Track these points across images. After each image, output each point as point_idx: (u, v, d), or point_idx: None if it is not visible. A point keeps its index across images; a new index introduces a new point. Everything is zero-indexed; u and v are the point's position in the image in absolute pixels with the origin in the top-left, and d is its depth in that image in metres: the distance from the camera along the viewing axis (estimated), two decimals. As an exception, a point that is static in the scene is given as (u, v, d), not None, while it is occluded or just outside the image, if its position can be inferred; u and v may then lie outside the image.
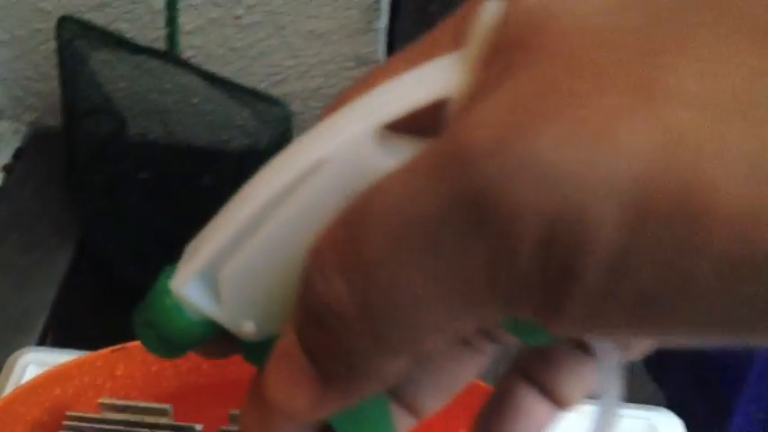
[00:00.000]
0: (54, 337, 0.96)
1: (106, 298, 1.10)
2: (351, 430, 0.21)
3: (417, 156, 0.16)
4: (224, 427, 0.36)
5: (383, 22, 1.19)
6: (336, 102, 0.20)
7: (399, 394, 0.24)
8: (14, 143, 1.26)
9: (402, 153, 0.18)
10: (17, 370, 0.49)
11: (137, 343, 0.38)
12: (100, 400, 0.36)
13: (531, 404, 0.24)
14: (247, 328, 0.20)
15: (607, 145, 0.14)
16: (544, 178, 0.14)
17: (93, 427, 0.35)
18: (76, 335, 1.02)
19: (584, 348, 0.24)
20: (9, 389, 0.48)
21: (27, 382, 0.36)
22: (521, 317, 0.16)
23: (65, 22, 1.02)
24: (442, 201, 0.15)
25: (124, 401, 0.37)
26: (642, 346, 0.24)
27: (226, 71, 1.15)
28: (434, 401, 0.24)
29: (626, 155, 0.14)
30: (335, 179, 0.18)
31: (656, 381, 0.60)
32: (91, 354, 0.37)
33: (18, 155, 1.24)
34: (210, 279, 0.20)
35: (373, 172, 0.17)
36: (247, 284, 0.20)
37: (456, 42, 0.18)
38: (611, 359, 0.21)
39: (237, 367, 0.41)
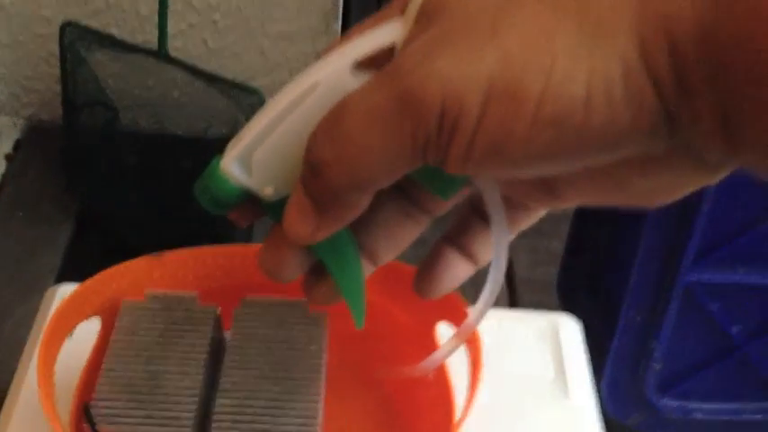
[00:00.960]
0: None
1: (104, 264, 1.20)
2: (332, 260, 0.32)
3: (373, 76, 0.26)
4: (237, 308, 0.48)
5: (339, 24, 1.30)
6: (324, 51, 0.29)
7: (364, 249, 0.32)
8: (14, 135, 1.35)
9: (366, 79, 0.27)
10: (57, 299, 0.61)
11: (168, 252, 0.51)
12: (146, 292, 0.49)
13: (455, 261, 0.33)
14: (267, 191, 0.30)
15: (473, 60, 0.23)
16: (440, 80, 0.23)
17: (142, 309, 0.47)
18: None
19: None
20: (49, 317, 0.59)
21: (91, 279, 0.48)
22: (430, 163, 0.25)
23: (67, 27, 1.12)
24: (386, 96, 0.25)
25: (163, 292, 0.49)
26: (530, 216, 0.33)
27: (204, 69, 1.25)
28: (387, 253, 0.33)
29: (482, 66, 0.23)
30: (325, 94, 0.27)
31: (565, 308, 0.73)
32: (135, 259, 0.49)
33: (18, 146, 1.34)
34: (245, 161, 0.29)
35: (348, 90, 0.26)
36: (269, 163, 0.29)
37: (401, 11, 0.27)
38: (499, 210, 0.31)
39: (242, 277, 0.53)
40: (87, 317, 0.48)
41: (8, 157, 1.31)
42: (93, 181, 1.19)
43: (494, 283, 0.33)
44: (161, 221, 1.16)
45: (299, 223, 0.29)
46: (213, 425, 0.42)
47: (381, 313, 0.50)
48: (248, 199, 0.30)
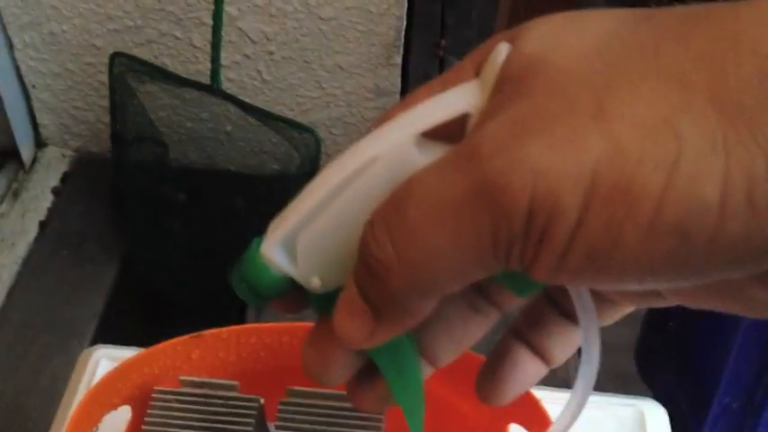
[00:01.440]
0: (103, 342, 1.03)
1: (148, 309, 1.16)
2: (386, 361, 0.28)
3: (445, 155, 0.22)
4: (283, 399, 0.42)
5: (400, 57, 1.25)
6: (382, 117, 0.26)
7: (422, 347, 0.29)
8: (62, 168, 1.33)
9: (435, 154, 0.23)
10: (91, 363, 0.56)
11: (208, 331, 0.45)
12: (181, 378, 0.43)
13: (524, 361, 0.29)
14: (314, 283, 0.26)
15: (573, 150, 0.20)
16: (530, 171, 0.20)
17: (177, 399, 0.42)
18: (122, 340, 1.08)
19: (570, 317, 0.30)
20: (85, 380, 0.55)
21: (122, 363, 0.43)
22: (512, 268, 0.21)
23: (117, 58, 1.09)
24: (461, 186, 0.21)
25: (200, 378, 0.43)
26: (618, 312, 0.29)
27: (258, 101, 1.22)
28: (448, 354, 0.29)
29: (584, 158, 0.20)
30: (385, 171, 0.23)
31: (645, 382, 0.66)
32: (171, 340, 0.44)
33: (65, 179, 1.32)
34: (290, 246, 0.25)
35: (413, 167, 0.23)
36: (316, 250, 0.25)
37: (476, 73, 0.24)
38: (591, 316, 0.26)
39: (289, 358, 0.48)
40: (115, 407, 0.43)
41: (55, 191, 1.28)
42: (140, 218, 1.16)
43: (581, 395, 0.28)
44: (207, 261, 1.12)
45: (352, 327, 0.25)
46: None
47: (445, 409, 0.44)
48: (293, 287, 0.26)
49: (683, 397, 0.71)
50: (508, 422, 0.44)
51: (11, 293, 1.12)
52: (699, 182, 0.19)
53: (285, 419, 0.42)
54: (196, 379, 0.43)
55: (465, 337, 0.29)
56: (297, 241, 0.25)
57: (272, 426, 0.43)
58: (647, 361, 0.86)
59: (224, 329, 0.46)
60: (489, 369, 0.29)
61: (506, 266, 0.21)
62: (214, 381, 0.43)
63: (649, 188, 0.19)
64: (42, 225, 1.22)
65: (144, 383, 0.43)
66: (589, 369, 0.28)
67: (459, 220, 0.21)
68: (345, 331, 0.25)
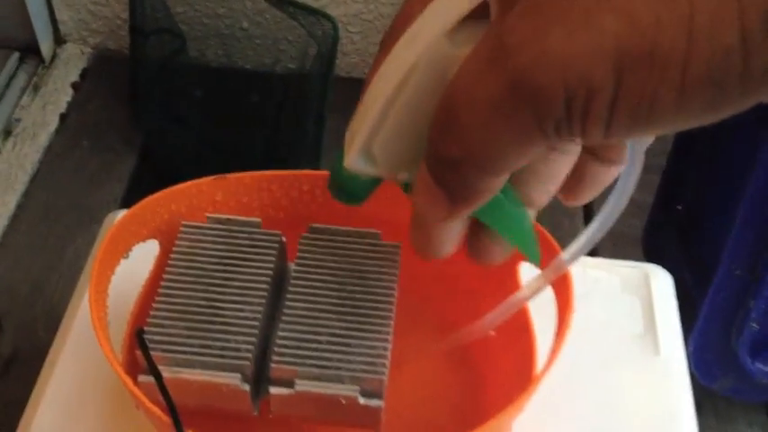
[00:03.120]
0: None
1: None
2: (494, 219, 0.30)
3: (475, 52, 0.23)
4: (305, 234, 0.45)
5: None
6: (402, 14, 0.28)
7: (518, 194, 0.31)
8: (81, 64, 1.34)
9: (467, 41, 0.25)
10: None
11: (232, 174, 0.47)
12: (207, 215, 0.46)
13: (595, 167, 0.31)
14: (401, 176, 0.29)
15: (592, 33, 0.21)
16: (558, 63, 0.21)
17: (203, 233, 0.44)
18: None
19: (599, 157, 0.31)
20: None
21: (149, 198, 0.45)
22: (565, 140, 0.23)
23: (135, -51, 1.09)
24: (496, 86, 0.22)
25: (226, 215, 0.46)
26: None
27: (274, -1, 1.22)
28: (543, 195, 0.31)
29: (605, 37, 0.20)
30: (428, 72, 0.26)
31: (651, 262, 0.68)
32: (196, 180, 0.46)
33: (84, 74, 1.33)
34: (368, 153, 0.29)
35: (451, 60, 0.25)
36: (392, 151, 0.29)
37: None
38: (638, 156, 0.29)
39: (309, 206, 0.50)
40: (144, 239, 0.45)
41: (74, 86, 1.30)
42: (157, 113, 1.17)
43: (610, 211, 0.31)
44: (224, 157, 1.14)
45: (432, 210, 0.27)
46: (273, 359, 0.39)
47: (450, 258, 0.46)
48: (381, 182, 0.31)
49: (688, 272, 0.74)
50: (519, 260, 0.46)
51: (33, 179, 1.15)
52: (718, 30, 0.20)
53: (305, 254, 0.44)
54: (221, 216, 0.45)
55: (552, 176, 0.31)
56: (372, 148, 0.29)
57: (291, 265, 0.46)
58: (654, 241, 0.88)
59: (246, 174, 0.48)
60: (571, 181, 0.31)
61: (559, 140, 0.23)
62: (238, 218, 0.45)
63: (673, 48, 0.20)
64: (63, 117, 1.23)
65: (171, 219, 0.46)
66: (618, 199, 0.30)
67: (504, 116, 0.23)
68: (427, 213, 0.28)
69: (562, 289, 0.41)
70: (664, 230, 0.84)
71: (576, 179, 0.32)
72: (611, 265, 0.59)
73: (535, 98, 0.22)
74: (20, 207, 1.12)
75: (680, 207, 0.81)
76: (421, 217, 0.29)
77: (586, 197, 0.32)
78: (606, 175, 0.32)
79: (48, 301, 1.01)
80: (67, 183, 1.13)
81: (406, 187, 0.30)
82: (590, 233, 0.32)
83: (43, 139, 1.20)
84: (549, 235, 0.42)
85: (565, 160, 0.31)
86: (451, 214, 0.27)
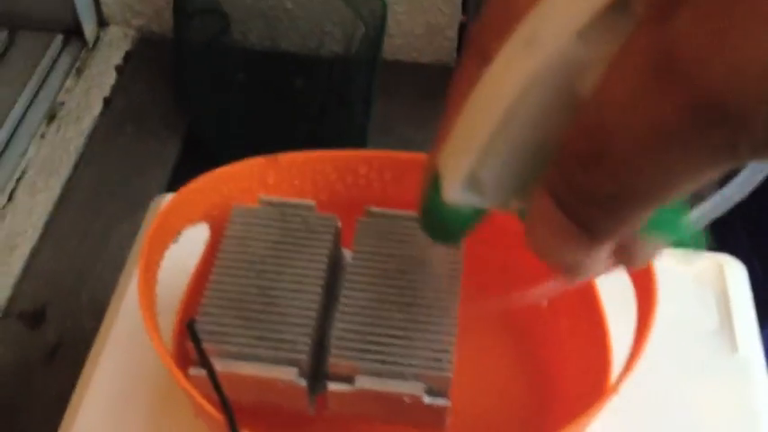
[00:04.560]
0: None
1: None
2: (661, 230, 0.25)
3: (626, 62, 0.19)
4: (361, 218, 0.42)
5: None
6: (498, 13, 0.23)
7: None
8: (125, 47, 1.33)
9: (600, 39, 0.20)
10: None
11: (283, 154, 0.45)
12: (260, 197, 0.43)
13: None
14: (513, 205, 0.25)
15: None
16: (756, 78, 0.17)
17: (255, 216, 0.42)
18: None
19: None
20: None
21: (198, 179, 0.43)
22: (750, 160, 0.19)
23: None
24: (672, 107, 0.18)
25: (279, 198, 0.43)
26: None
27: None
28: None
29: None
30: (555, 81, 0.21)
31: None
32: (247, 160, 0.44)
33: (128, 57, 1.32)
34: (473, 182, 0.24)
35: (581, 64, 0.21)
36: (505, 177, 0.24)
37: None
38: None
39: (365, 189, 0.47)
40: (194, 222, 0.43)
41: (118, 69, 1.29)
42: (201, 96, 1.16)
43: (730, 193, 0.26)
44: (268, 143, 1.12)
45: (564, 246, 0.23)
46: (332, 352, 0.37)
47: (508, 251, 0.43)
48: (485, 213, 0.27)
49: (757, 261, 0.70)
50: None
51: (77, 165, 1.14)
52: None
53: (362, 240, 0.41)
54: (274, 198, 0.43)
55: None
56: (481, 176, 0.24)
57: (347, 252, 0.43)
58: (718, 229, 0.84)
59: (300, 154, 0.46)
60: None
61: (752, 160, 0.20)
62: (292, 201, 0.43)
63: None
64: (106, 101, 1.22)
65: (221, 202, 0.44)
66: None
67: (683, 143, 0.19)
68: (553, 250, 0.23)
69: (644, 282, 0.38)
70: (729, 217, 0.80)
71: None
72: (681, 256, 0.56)
73: (729, 120, 0.18)
74: (64, 193, 1.11)
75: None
76: (545, 251, 0.24)
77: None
78: None
79: (92, 289, 1.00)
80: (112, 168, 1.12)
81: (521, 213, 0.25)
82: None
83: (87, 122, 1.19)
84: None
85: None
86: (590, 251, 0.23)
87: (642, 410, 0.46)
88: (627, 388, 0.39)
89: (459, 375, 0.38)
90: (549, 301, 0.44)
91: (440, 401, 0.36)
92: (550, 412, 0.45)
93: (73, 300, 0.99)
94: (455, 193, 0.25)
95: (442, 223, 0.27)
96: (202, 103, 1.15)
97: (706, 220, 0.28)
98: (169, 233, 0.41)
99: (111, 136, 1.18)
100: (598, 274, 0.25)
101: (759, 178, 0.26)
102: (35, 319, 0.98)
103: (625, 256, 0.25)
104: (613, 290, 0.39)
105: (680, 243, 0.26)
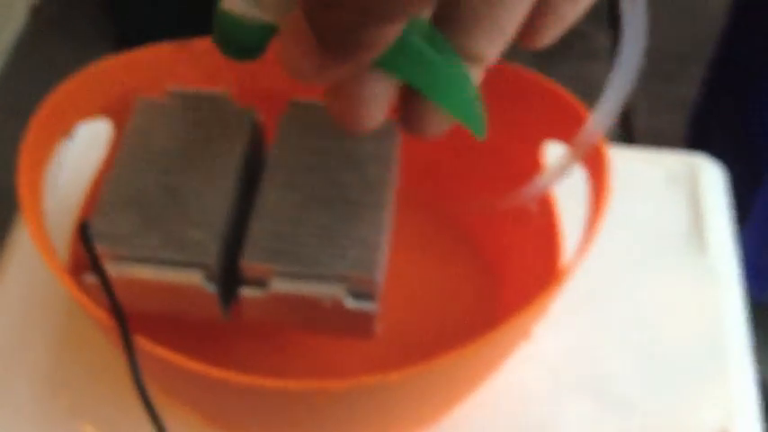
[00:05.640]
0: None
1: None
2: (420, 77, 0.25)
3: None
4: (285, 113, 0.39)
5: None
6: None
7: (458, 45, 0.25)
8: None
9: None
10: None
11: (197, 40, 0.42)
12: (168, 89, 0.41)
13: None
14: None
15: None
16: None
17: (161, 109, 0.39)
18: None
19: None
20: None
21: (96, 64, 0.40)
22: None
23: None
24: None
25: (190, 89, 0.41)
26: None
27: None
28: (490, 46, 0.25)
29: None
30: None
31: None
32: (153, 46, 0.41)
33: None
34: None
35: None
36: None
37: None
38: None
39: (288, 80, 0.44)
40: (90, 115, 0.40)
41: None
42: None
43: (627, 60, 0.26)
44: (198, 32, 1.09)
45: (300, 60, 0.24)
46: (245, 254, 0.35)
47: (465, 130, 0.41)
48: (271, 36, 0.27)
49: (739, 165, 0.68)
50: (542, 138, 0.41)
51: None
52: None
53: (285, 135, 0.39)
54: (185, 90, 0.40)
55: (503, 20, 0.25)
56: None
57: (269, 151, 0.41)
58: (699, 133, 0.82)
59: (215, 39, 0.43)
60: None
61: None
62: (204, 91, 0.40)
63: None
64: (34, 10, 1.18)
65: (125, 94, 0.41)
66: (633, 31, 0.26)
67: None
68: (290, 64, 0.24)
69: (596, 167, 0.36)
70: (712, 118, 0.78)
71: (532, 15, 0.26)
72: (653, 156, 0.54)
73: None
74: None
75: (734, 85, 0.75)
76: (288, 70, 0.25)
77: (546, 37, 0.27)
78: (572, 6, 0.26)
79: (7, 213, 0.97)
80: (38, 79, 1.08)
81: None
82: (617, 82, 0.27)
83: (9, 34, 1.15)
84: (570, 97, 0.37)
85: None
86: (321, 67, 0.23)
87: (598, 312, 0.45)
88: (583, 288, 0.38)
89: (392, 279, 0.36)
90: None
91: (365, 306, 0.34)
92: (497, 313, 0.43)
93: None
94: (233, 1, 0.26)
95: (229, 36, 0.28)
96: (133, 6, 1.11)
97: (608, 119, 0.28)
98: (58, 128, 0.38)
99: (37, 46, 1.14)
100: (370, 118, 0.26)
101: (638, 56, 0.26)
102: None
103: (408, 118, 0.27)
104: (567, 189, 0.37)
105: (466, 120, 0.27)
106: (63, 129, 0.38)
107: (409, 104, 0.26)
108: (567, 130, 0.37)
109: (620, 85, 0.27)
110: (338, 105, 0.26)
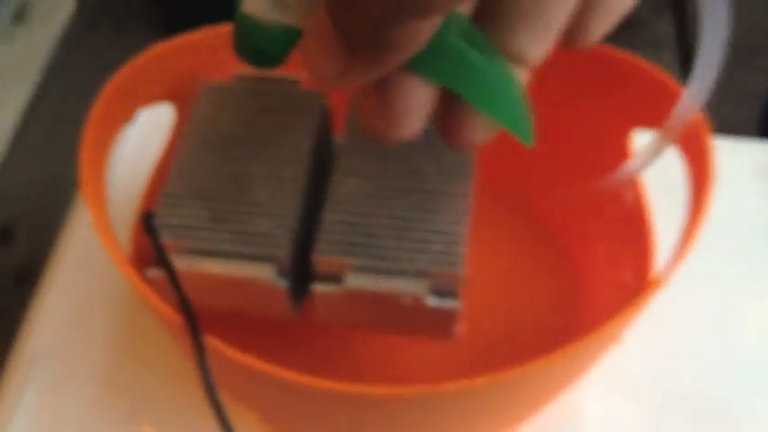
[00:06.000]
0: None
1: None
2: (462, 82, 0.23)
3: None
4: (355, 97, 0.38)
5: None
6: None
7: (501, 45, 0.24)
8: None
9: None
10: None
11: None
12: (233, 72, 0.39)
13: None
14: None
15: None
16: None
17: (227, 93, 0.38)
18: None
19: None
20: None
21: (155, 47, 0.38)
22: None
23: None
24: None
25: (257, 72, 0.39)
26: None
27: None
28: (536, 45, 0.24)
29: None
30: None
31: None
32: (217, 26, 0.39)
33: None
34: None
35: None
36: None
37: None
38: None
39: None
40: (153, 100, 0.39)
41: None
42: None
43: (713, 32, 0.25)
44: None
45: (323, 61, 0.22)
46: (317, 248, 0.33)
47: (549, 116, 0.39)
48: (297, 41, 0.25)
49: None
50: (631, 126, 0.39)
51: (47, 71, 1.11)
52: None
53: (357, 121, 0.37)
54: (251, 73, 0.39)
55: (548, 12, 0.23)
56: None
57: (340, 138, 0.39)
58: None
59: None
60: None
61: None
62: (272, 74, 0.39)
63: None
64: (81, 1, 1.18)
65: (189, 77, 0.40)
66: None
67: None
68: (314, 66, 0.22)
69: (695, 152, 0.34)
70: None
71: (580, 9, 0.24)
72: (737, 145, 0.51)
73: None
74: (32, 101, 1.08)
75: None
76: (313, 74, 0.23)
77: (594, 34, 0.25)
78: None
79: (63, 205, 0.97)
80: (85, 73, 1.08)
81: None
82: (708, 55, 0.25)
83: (57, 24, 1.15)
84: (667, 77, 0.35)
85: None
86: (347, 71, 0.22)
87: (686, 316, 0.43)
88: (669, 290, 0.35)
89: (473, 274, 0.34)
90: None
91: (448, 303, 0.32)
92: (581, 314, 0.41)
93: (42, 218, 0.96)
94: (255, 5, 0.24)
95: (251, 44, 0.26)
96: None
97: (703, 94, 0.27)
98: (120, 115, 0.37)
99: (84, 39, 1.14)
100: (405, 127, 0.24)
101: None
102: (3, 237, 0.96)
103: (447, 126, 0.24)
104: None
105: (511, 126, 0.25)
106: (126, 115, 0.37)
107: (448, 111, 0.24)
108: (660, 117, 0.36)
109: (712, 58, 0.26)
110: (368, 113, 0.24)
